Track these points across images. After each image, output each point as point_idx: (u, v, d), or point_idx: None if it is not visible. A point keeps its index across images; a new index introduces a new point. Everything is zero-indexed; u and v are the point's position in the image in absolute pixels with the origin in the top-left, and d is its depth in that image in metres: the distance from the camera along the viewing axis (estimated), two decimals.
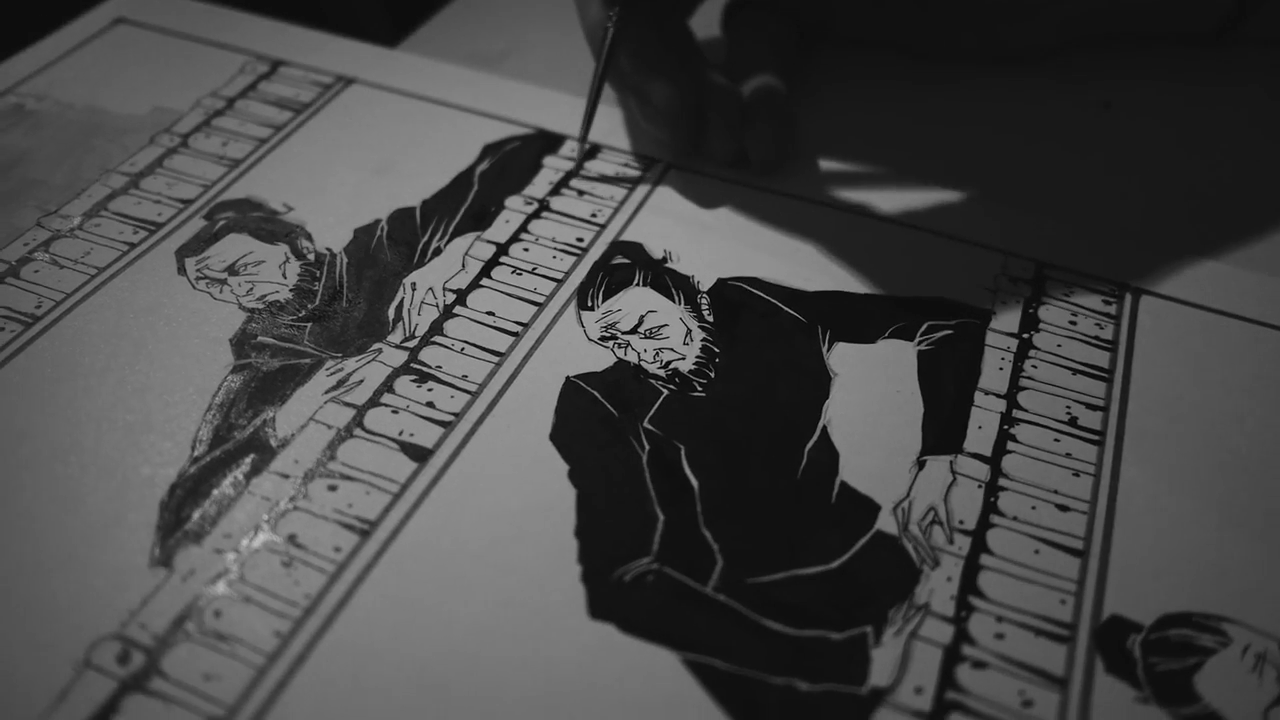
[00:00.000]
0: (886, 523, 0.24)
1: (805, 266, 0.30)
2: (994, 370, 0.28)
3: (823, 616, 0.22)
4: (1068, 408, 0.27)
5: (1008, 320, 0.29)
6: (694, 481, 0.25)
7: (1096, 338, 0.28)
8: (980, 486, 0.25)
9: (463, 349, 0.28)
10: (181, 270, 0.30)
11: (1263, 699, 0.21)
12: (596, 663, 0.22)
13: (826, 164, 0.34)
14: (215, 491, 0.24)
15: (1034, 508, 0.25)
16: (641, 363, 0.27)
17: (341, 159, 0.34)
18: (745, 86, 0.33)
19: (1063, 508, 0.25)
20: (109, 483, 0.24)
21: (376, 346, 0.28)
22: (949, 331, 0.28)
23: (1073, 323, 0.29)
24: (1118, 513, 0.24)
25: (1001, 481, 0.25)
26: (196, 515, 0.24)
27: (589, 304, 0.29)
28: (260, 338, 0.28)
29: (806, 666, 0.22)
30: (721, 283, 0.29)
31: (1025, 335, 0.28)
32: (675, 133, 0.32)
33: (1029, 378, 0.27)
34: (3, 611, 0.22)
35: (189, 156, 0.34)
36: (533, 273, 0.30)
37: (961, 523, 0.24)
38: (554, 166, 0.33)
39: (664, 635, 0.22)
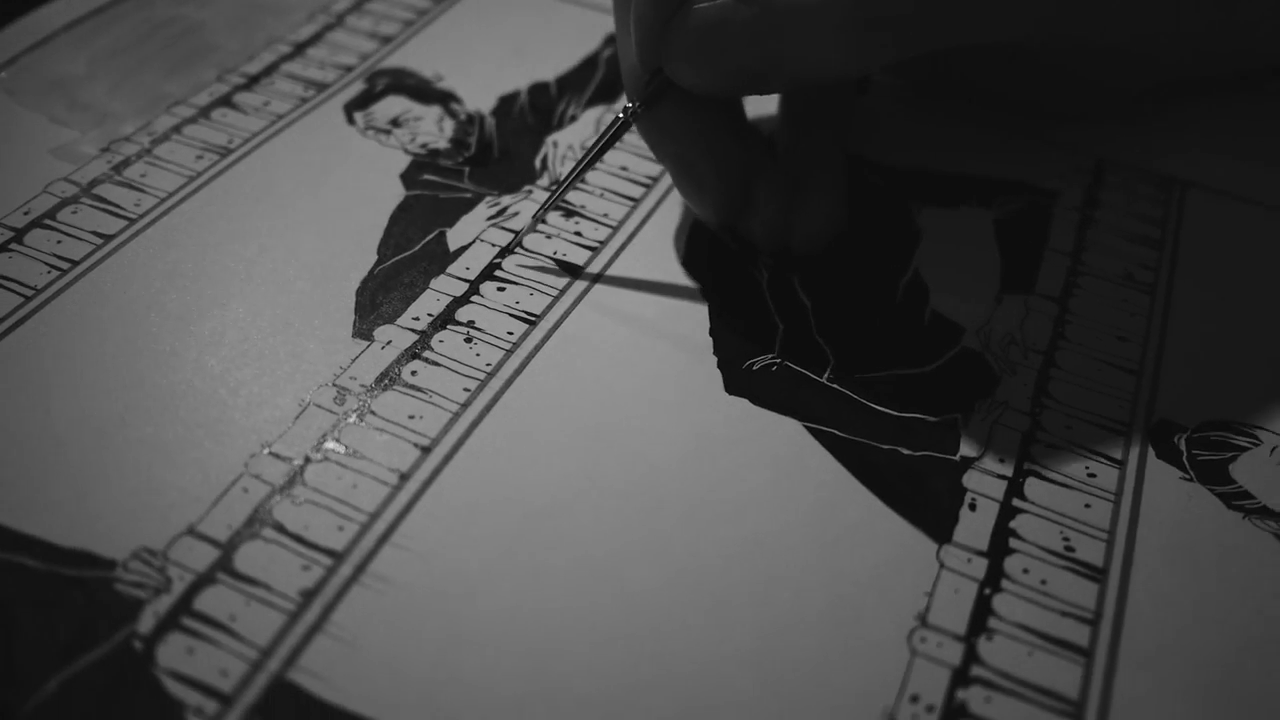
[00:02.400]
0: (971, 342, 0.28)
1: (891, 149, 0.34)
2: (1060, 235, 0.32)
3: (919, 404, 0.27)
4: (1125, 266, 0.31)
5: (1072, 198, 0.33)
6: (807, 302, 0.29)
7: (1148, 215, 0.33)
8: (1050, 320, 0.29)
9: (601, 194, 0.32)
10: (350, 121, 0.34)
11: None
12: (735, 427, 0.26)
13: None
14: (401, 286, 0.29)
15: (1096, 337, 0.29)
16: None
17: (481, 41, 0.38)
18: (796, 149, 0.30)
19: (1121, 339, 0.29)
20: (310, 274, 0.29)
21: (527, 188, 0.32)
22: (1021, 204, 0.33)
23: (1130, 204, 0.33)
24: (1167, 344, 0.29)
25: (1067, 316, 0.29)
26: (387, 303, 0.28)
27: None
28: (426, 175, 0.32)
29: (908, 439, 0.26)
30: None
31: (1088, 211, 0.33)
32: (715, 217, 0.29)
33: (1091, 241, 0.32)
34: (233, 362, 0.26)
35: (345, 32, 0.38)
36: None
37: (1035, 345, 0.28)
38: None
39: (789, 410, 0.26)
